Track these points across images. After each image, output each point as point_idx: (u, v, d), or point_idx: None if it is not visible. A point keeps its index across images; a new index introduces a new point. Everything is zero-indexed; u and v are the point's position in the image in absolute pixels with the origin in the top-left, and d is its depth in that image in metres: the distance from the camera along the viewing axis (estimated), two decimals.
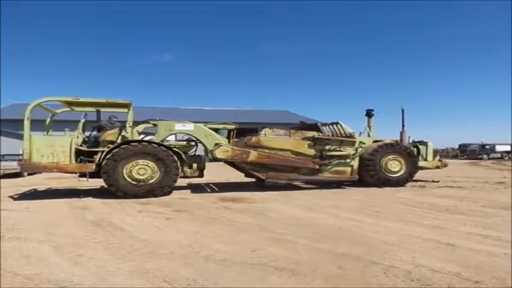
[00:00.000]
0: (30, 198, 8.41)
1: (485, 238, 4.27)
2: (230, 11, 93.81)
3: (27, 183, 12.60)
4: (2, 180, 14.18)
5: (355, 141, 10.30)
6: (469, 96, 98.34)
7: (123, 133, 8.80)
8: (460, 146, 44.47)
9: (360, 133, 11.13)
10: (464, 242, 4.10)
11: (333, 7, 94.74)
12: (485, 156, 37.99)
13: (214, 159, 9.55)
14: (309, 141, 9.86)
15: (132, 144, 8.27)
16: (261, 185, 10.36)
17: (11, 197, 8.69)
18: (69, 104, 9.04)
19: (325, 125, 11.41)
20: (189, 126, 9.42)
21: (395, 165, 10.43)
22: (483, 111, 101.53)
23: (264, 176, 9.52)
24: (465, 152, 41.23)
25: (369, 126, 11.68)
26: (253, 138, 9.55)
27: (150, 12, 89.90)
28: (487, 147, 39.96)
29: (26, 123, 7.92)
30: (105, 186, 8.36)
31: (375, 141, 10.78)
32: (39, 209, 6.79)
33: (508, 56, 79.45)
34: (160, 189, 8.33)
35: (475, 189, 9.59)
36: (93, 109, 9.47)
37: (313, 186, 10.57)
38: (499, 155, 38.61)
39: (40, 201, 7.83)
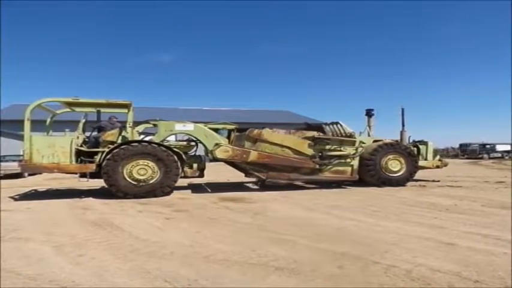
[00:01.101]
0: (31, 199, 8.42)
1: (485, 237, 4.27)
2: (229, 10, 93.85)
3: (27, 183, 12.62)
4: (3, 181, 14.20)
5: (355, 141, 10.31)
6: (470, 95, 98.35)
7: (123, 133, 8.82)
8: (460, 145, 44.46)
9: (360, 133, 11.15)
10: (464, 241, 4.10)
11: (333, 7, 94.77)
12: (485, 155, 37.95)
13: (215, 159, 9.56)
14: (309, 141, 9.87)
15: (132, 144, 8.28)
16: (261, 185, 10.37)
17: (12, 197, 8.70)
18: (70, 104, 9.06)
19: (325, 124, 11.43)
20: (189, 127, 9.43)
21: (395, 165, 10.43)
22: (484, 111, 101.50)
23: (265, 176, 9.52)
24: (465, 151, 41.21)
25: (369, 126, 11.69)
26: (256, 131, 9.56)
27: (149, 13, 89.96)
28: (487, 146, 39.93)
29: (27, 124, 7.94)
30: (106, 186, 8.38)
31: (375, 141, 10.80)
32: (40, 210, 6.81)
33: (509, 55, 79.34)
34: (160, 189, 8.34)
35: (475, 189, 9.59)
36: (94, 109, 9.49)
37: (313, 186, 10.57)
38: (499, 155, 38.56)
39: (41, 202, 7.85)
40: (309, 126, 11.64)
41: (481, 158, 36.64)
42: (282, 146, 9.60)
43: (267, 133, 9.61)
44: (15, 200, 8.36)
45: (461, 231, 4.65)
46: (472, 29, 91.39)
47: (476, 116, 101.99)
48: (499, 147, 39.76)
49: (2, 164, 16.05)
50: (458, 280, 2.89)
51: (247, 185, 11.08)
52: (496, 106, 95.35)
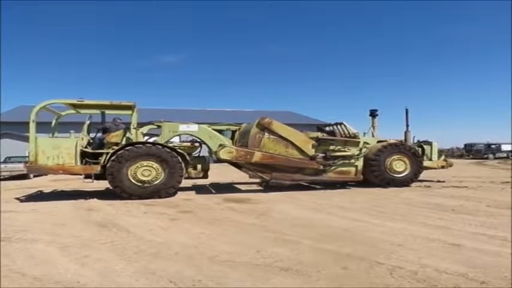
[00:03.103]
0: (36, 200, 8.47)
1: (491, 238, 4.25)
2: (233, 11, 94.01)
3: (33, 185, 12.70)
4: (10, 182, 14.34)
5: (359, 142, 10.30)
6: (475, 95, 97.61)
7: (127, 135, 8.86)
8: (465, 145, 44.15)
9: (364, 133, 11.12)
10: (470, 242, 4.08)
11: (336, 7, 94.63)
12: (491, 155, 37.65)
13: (219, 160, 9.57)
14: (313, 141, 9.86)
15: (137, 145, 8.31)
16: (265, 186, 10.36)
17: (17, 198, 8.76)
18: (74, 106, 9.13)
19: (329, 125, 11.41)
20: (193, 128, 9.46)
21: (400, 165, 10.40)
22: (489, 111, 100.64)
23: (269, 176, 9.52)
24: (471, 151, 40.91)
25: (373, 127, 11.63)
26: (267, 119, 9.59)
27: (154, 14, 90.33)
28: (492, 146, 39.61)
29: (32, 126, 8.00)
30: (110, 187, 8.41)
31: (379, 142, 10.77)
32: (46, 211, 6.84)
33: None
34: (165, 190, 8.35)
35: (481, 189, 9.53)
36: (98, 111, 9.55)
37: (317, 186, 10.55)
38: (505, 155, 38.24)
39: (46, 203, 7.89)
40: (320, 130, 11.60)
41: (487, 158, 36.37)
42: (287, 141, 9.58)
43: (276, 124, 9.64)
44: (21, 201, 8.42)
45: (467, 232, 4.62)
46: (476, 29, 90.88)
47: (482, 115, 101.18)
48: (504, 147, 39.41)
49: (8, 165, 16.20)
50: (464, 281, 2.87)
51: (252, 186, 11.07)
52: (501, 106, 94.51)
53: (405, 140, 11.75)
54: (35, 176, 16.10)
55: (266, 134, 9.47)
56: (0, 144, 22.76)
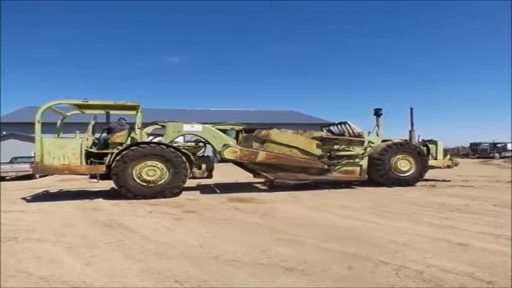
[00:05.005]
0: (42, 200, 8.54)
1: (497, 238, 4.21)
2: (237, 12, 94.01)
3: (39, 185, 12.80)
4: (15, 182, 14.49)
5: (363, 141, 10.26)
6: (480, 94, 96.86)
7: (132, 135, 8.90)
8: (471, 144, 43.81)
9: (369, 132, 11.08)
10: (476, 241, 4.05)
11: (339, 7, 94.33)
12: (496, 155, 37.32)
13: (223, 160, 9.59)
14: (317, 141, 9.84)
15: (141, 145, 8.35)
16: (269, 186, 10.36)
17: (24, 198, 8.83)
18: (79, 106, 9.18)
19: (333, 125, 11.37)
20: (197, 128, 9.48)
21: (404, 165, 10.35)
22: (494, 110, 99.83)
23: (273, 176, 9.51)
24: (476, 150, 40.55)
25: (378, 126, 11.59)
26: (263, 131, 9.58)
27: (158, 16, 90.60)
28: (498, 145, 39.27)
29: (37, 126, 8.05)
30: (115, 187, 8.45)
31: (383, 141, 10.72)
32: (52, 211, 6.90)
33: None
34: (169, 190, 8.38)
35: (487, 188, 9.46)
36: (103, 111, 9.60)
37: (322, 186, 10.53)
38: (510, 154, 37.88)
39: (52, 203, 7.95)
40: (329, 131, 11.54)
41: (492, 157, 36.04)
42: (290, 147, 9.59)
43: (274, 133, 9.62)
44: (28, 201, 8.49)
45: (473, 231, 4.59)
46: (480, 28, 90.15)
47: (487, 115, 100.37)
48: (510, 146, 39.04)
49: (14, 166, 16.36)
50: (470, 281, 2.86)
51: (256, 185, 11.08)
52: (507, 105, 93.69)
53: (410, 139, 11.70)
54: (40, 176, 16.24)
55: (268, 143, 9.47)
56: (0, 146, 23.09)
